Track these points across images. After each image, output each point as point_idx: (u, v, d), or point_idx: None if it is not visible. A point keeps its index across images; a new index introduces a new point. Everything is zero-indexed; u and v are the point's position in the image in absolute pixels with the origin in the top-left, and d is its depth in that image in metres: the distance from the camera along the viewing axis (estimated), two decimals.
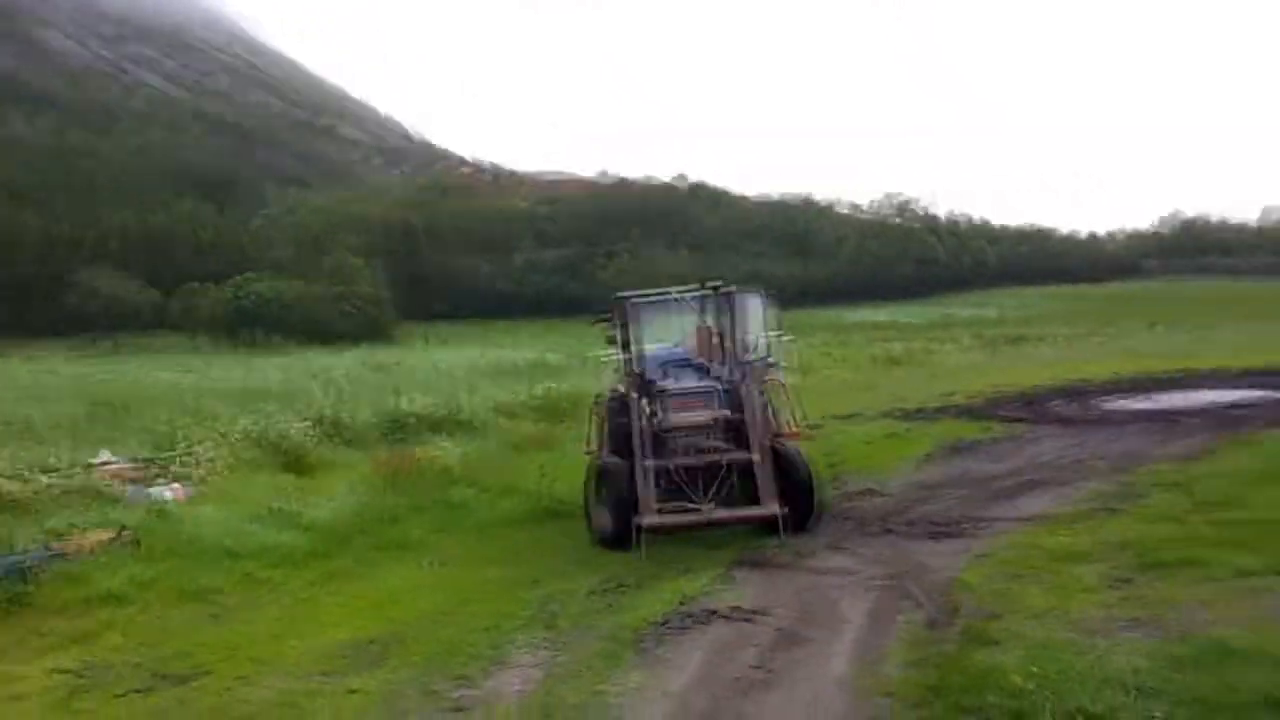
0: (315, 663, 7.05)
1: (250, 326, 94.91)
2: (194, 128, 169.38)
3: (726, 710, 5.60)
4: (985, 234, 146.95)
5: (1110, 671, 5.44)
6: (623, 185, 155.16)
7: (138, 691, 6.80)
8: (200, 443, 17.17)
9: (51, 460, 15.18)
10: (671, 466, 9.96)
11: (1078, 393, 22.87)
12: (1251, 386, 21.47)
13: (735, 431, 10.27)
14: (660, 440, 10.23)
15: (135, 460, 16.22)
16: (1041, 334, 58.80)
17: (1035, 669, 5.52)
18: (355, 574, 9.80)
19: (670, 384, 10.73)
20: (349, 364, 49.88)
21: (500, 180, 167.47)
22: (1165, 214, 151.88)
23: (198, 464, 15.77)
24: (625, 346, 11.45)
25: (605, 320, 12.04)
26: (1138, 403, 19.96)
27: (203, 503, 12.99)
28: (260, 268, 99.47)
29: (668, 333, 12.49)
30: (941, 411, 20.30)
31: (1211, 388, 21.98)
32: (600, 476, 10.30)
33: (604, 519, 10.05)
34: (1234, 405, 18.31)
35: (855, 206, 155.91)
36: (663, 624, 7.19)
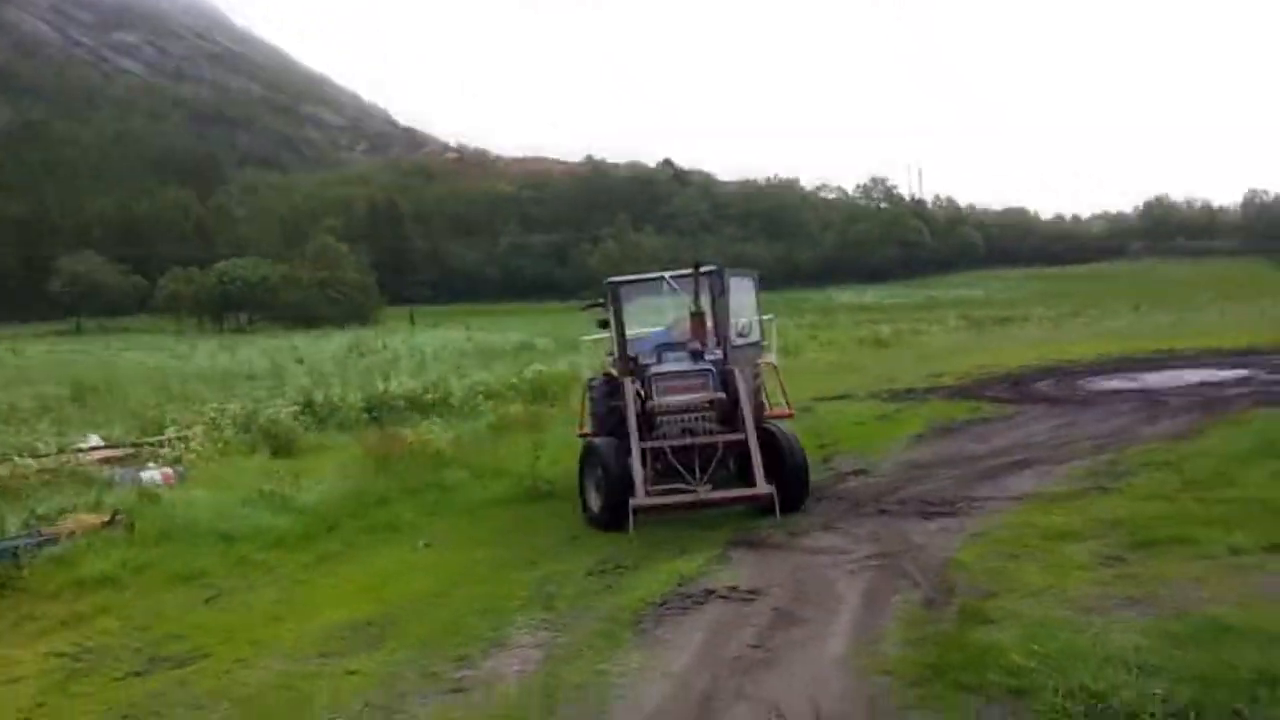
0: (313, 645, 7.03)
1: (235, 311, 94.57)
2: (175, 114, 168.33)
3: (727, 690, 5.61)
4: (969, 218, 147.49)
5: (1110, 649, 5.46)
6: (608, 170, 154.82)
7: (136, 674, 6.77)
8: (190, 426, 17.13)
9: (39, 445, 15.14)
10: (665, 448, 9.96)
11: (1065, 373, 22.98)
12: (1236, 366, 21.64)
13: (727, 413, 10.29)
14: (652, 422, 10.23)
15: (123, 444, 16.18)
16: (1026, 315, 59.11)
17: (1035, 647, 5.54)
18: (349, 557, 9.76)
19: (662, 366, 10.72)
20: (335, 348, 49.78)
21: (485, 165, 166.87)
22: (1149, 198, 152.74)
23: (186, 447, 15.73)
24: (617, 330, 11.45)
25: (598, 305, 12.04)
26: (1125, 383, 20.04)
27: (193, 486, 12.96)
28: (243, 253, 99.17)
29: (659, 316, 12.51)
30: (931, 392, 20.36)
31: (1197, 367, 22.11)
32: (593, 458, 10.29)
33: (597, 500, 10.06)
34: (1221, 384, 18.41)
35: (840, 190, 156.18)
36: (661, 604, 7.19)
